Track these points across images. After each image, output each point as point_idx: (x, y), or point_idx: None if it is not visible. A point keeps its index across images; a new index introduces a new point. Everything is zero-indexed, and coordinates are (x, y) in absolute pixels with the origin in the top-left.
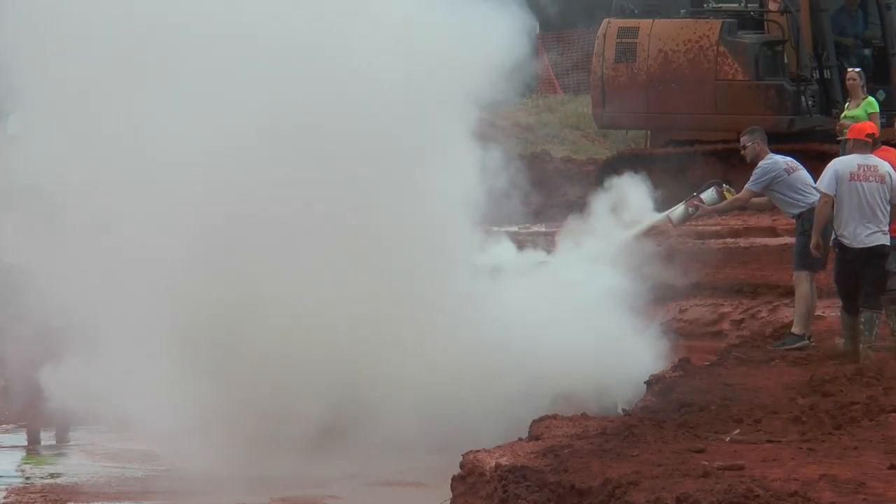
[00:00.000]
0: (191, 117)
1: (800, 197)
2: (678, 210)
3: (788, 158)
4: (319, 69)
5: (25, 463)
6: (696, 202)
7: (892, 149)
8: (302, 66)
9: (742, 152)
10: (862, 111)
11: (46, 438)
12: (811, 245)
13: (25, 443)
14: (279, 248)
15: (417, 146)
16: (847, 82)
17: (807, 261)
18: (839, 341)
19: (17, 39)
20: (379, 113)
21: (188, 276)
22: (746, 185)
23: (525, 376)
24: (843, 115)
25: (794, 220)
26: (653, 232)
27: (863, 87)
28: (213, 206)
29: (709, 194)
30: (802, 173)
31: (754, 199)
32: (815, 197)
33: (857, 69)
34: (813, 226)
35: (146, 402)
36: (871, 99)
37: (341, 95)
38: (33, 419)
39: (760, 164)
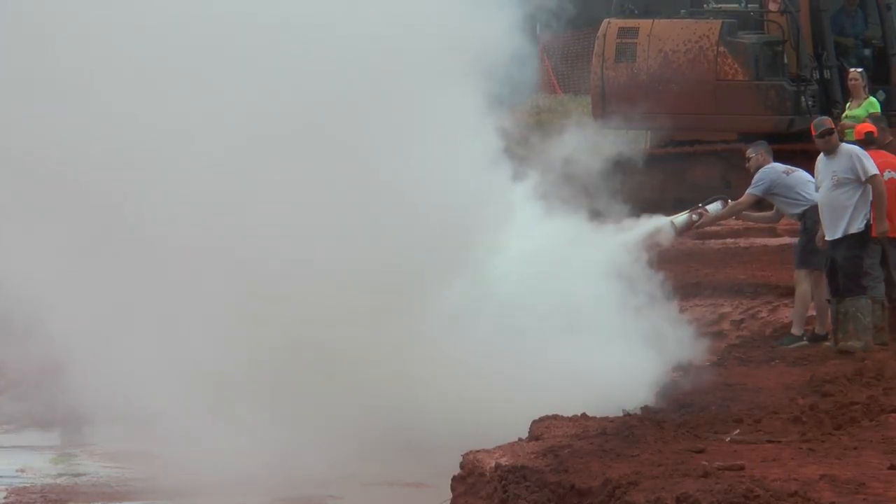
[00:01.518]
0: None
1: (800, 196)
2: (682, 217)
3: (787, 166)
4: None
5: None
6: (700, 211)
7: (890, 154)
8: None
9: (746, 164)
10: (863, 111)
11: (52, 439)
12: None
13: (28, 443)
14: (281, 239)
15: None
16: (849, 82)
17: (809, 259)
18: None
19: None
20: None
21: (189, 266)
22: (747, 190)
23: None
24: (844, 115)
25: (794, 221)
26: (654, 237)
27: (865, 87)
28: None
29: (714, 207)
30: (802, 174)
31: (756, 214)
32: (816, 195)
33: (860, 69)
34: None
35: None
36: (872, 99)
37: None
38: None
39: (760, 170)
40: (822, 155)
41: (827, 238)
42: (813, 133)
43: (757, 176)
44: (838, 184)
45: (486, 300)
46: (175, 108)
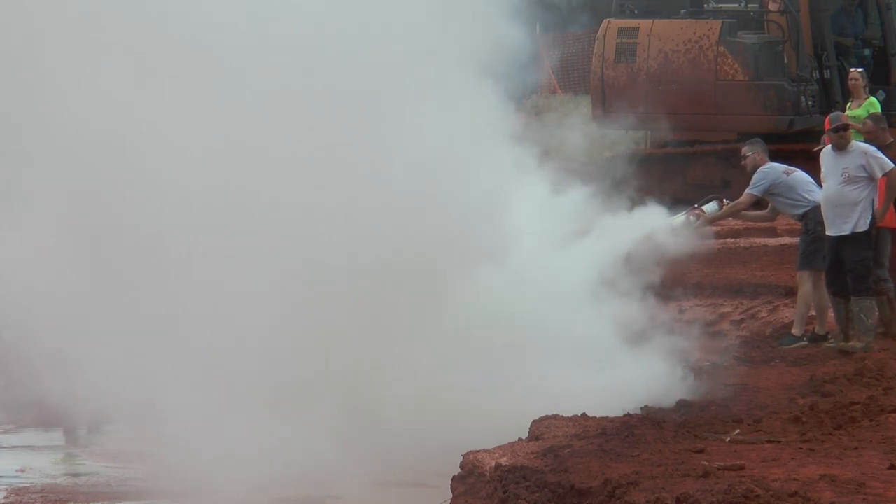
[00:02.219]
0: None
1: (802, 197)
2: (679, 218)
3: (787, 166)
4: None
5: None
6: (697, 212)
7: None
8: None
9: (742, 162)
10: (864, 111)
11: (52, 439)
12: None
13: (28, 443)
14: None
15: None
16: (850, 82)
17: (812, 260)
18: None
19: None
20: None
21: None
22: (746, 190)
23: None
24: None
25: (795, 221)
26: (652, 240)
27: (865, 87)
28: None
29: (710, 206)
30: (802, 174)
31: (752, 213)
32: (817, 196)
33: (860, 69)
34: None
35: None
36: (872, 99)
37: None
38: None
39: (759, 169)
40: (828, 150)
41: (830, 234)
42: (827, 126)
43: (756, 176)
44: (848, 180)
45: (488, 303)
46: (187, 104)
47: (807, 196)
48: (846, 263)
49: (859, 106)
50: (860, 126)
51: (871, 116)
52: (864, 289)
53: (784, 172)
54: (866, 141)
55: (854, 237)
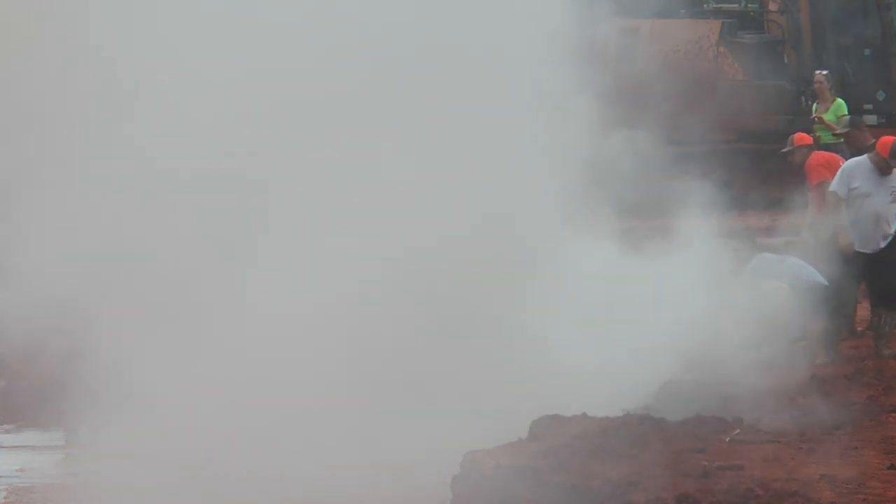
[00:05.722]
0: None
1: (799, 280)
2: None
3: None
4: None
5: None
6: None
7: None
8: None
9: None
10: (832, 115)
11: (52, 439)
12: None
13: (28, 443)
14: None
15: None
16: (815, 85)
17: None
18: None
19: None
20: None
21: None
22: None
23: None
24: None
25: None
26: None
27: (830, 89)
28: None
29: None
30: (795, 260)
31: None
32: (819, 277)
33: (824, 72)
34: None
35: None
36: (839, 101)
37: None
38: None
39: (753, 262)
40: (870, 166)
41: (864, 250)
42: (887, 156)
43: (753, 266)
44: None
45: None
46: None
47: (804, 278)
48: (887, 272)
49: (826, 110)
50: (836, 127)
51: (851, 121)
52: None
53: (779, 261)
54: (846, 143)
55: None
